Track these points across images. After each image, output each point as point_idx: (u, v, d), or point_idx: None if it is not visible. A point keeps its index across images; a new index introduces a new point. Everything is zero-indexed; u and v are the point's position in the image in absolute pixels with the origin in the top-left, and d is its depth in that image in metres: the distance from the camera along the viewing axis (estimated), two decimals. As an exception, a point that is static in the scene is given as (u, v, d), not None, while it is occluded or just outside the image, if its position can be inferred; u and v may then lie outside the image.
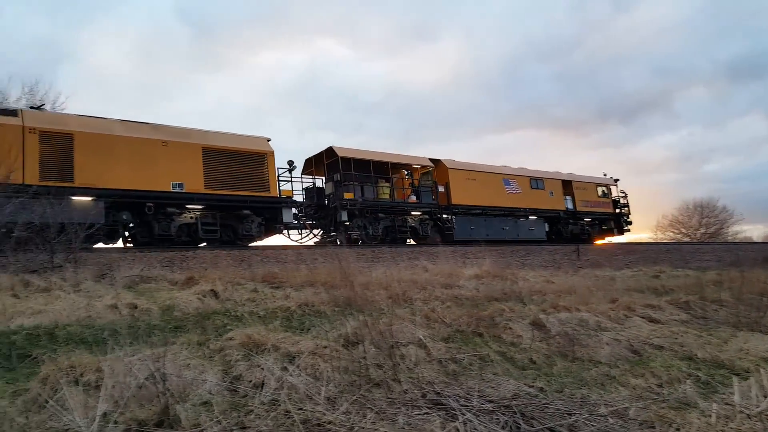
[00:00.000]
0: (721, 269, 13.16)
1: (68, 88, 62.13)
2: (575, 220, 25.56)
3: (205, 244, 14.83)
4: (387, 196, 19.66)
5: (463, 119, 76.15)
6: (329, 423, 3.59)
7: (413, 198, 20.63)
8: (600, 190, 27.02)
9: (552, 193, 24.48)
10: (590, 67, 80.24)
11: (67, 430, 3.33)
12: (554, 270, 11.19)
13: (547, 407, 3.93)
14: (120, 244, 13.99)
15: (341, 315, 6.31)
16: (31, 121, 12.30)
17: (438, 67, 74.76)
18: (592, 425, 3.57)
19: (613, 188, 27.82)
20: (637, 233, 51.81)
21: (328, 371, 4.54)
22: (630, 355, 5.59)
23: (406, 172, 21.54)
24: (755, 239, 45.01)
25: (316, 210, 18.68)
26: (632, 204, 28.08)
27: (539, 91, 79.82)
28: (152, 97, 56.27)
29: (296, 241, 18.27)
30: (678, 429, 3.64)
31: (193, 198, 14.19)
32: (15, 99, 22.50)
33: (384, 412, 3.86)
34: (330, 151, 18.88)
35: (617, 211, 27.52)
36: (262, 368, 4.45)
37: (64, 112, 14.16)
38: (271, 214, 16.09)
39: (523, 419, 3.63)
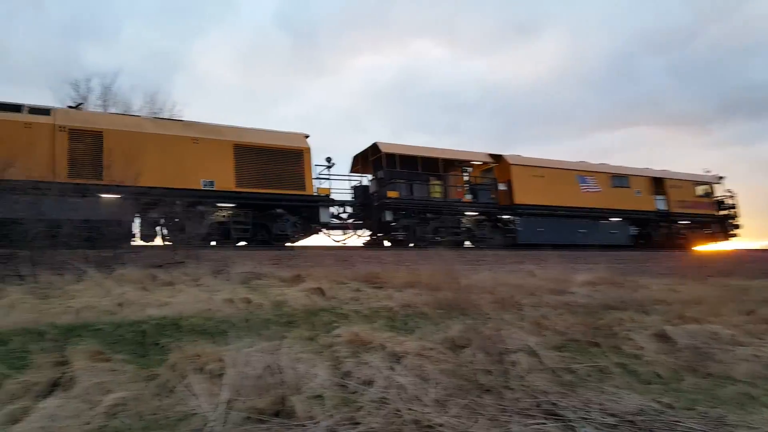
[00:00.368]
0: None
1: (183, 97, 67.37)
2: (668, 223, 22.53)
3: (244, 243, 14.35)
4: (439, 195, 18.07)
5: (567, 117, 72.90)
6: (440, 425, 3.53)
7: (468, 197, 18.85)
8: (700, 189, 23.67)
9: (639, 191, 21.72)
10: (711, 58, 73.34)
11: (194, 414, 3.54)
12: (678, 278, 10.28)
13: (678, 425, 3.60)
14: (159, 241, 13.46)
15: (444, 317, 6.22)
16: (62, 120, 12.45)
17: (539, 64, 72.34)
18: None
19: (716, 187, 24.32)
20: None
21: (435, 373, 4.48)
22: (773, 374, 4.97)
23: (462, 170, 19.73)
24: None
25: (362, 209, 17.60)
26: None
27: (652, 86, 74.24)
28: (257, 103, 59.65)
29: (339, 242, 17.18)
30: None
31: (223, 196, 13.76)
32: (138, 108, 24.81)
33: (496, 419, 3.74)
34: (375, 147, 17.75)
35: (722, 213, 24.04)
36: (370, 366, 4.48)
37: (100, 111, 14.43)
38: (309, 213, 15.32)
39: (650, 436, 3.34)
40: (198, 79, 53.65)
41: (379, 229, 17.54)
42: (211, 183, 13.65)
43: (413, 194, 17.54)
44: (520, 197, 18.89)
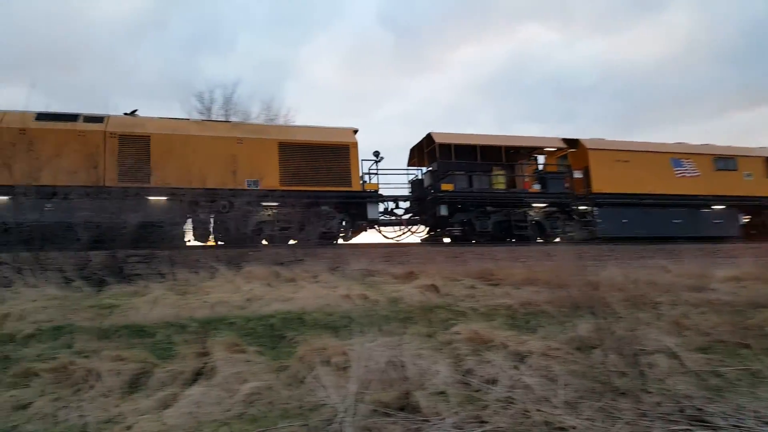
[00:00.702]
0: None
1: (294, 103, 70.61)
2: None
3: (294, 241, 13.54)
4: (503, 186, 16.69)
5: (700, 96, 65.37)
6: (572, 428, 3.34)
7: (537, 187, 17.07)
8: None
9: (749, 174, 18.82)
10: None
11: (323, 405, 3.66)
12: None
13: None
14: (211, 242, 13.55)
15: (570, 316, 5.91)
16: (112, 127, 12.82)
17: (664, 41, 66.01)
18: None
19: None
20: None
21: (563, 374, 4.26)
22: None
23: (530, 158, 18.30)
24: None
25: (418, 204, 16.70)
26: None
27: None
28: (362, 105, 61.11)
29: (392, 239, 16.29)
30: None
31: (267, 195, 13.37)
32: (255, 115, 26.36)
33: (635, 424, 3.47)
34: (429, 138, 16.63)
35: None
36: (493, 364, 4.37)
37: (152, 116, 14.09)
38: (356, 210, 14.82)
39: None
40: (307, 84, 56.20)
41: (435, 224, 16.60)
42: (256, 182, 13.48)
43: (472, 186, 16.34)
44: (599, 185, 17.08)
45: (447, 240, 16.69)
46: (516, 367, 4.31)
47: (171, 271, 8.81)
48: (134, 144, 12.89)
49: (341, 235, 14.95)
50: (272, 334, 5.66)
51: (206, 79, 46.75)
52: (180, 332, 5.67)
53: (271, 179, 13.78)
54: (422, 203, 16.60)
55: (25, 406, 4.01)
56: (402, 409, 3.55)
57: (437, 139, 16.08)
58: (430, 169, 17.01)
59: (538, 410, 3.53)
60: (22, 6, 49.35)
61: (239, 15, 63.55)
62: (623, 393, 3.95)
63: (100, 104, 30.63)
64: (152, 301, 6.60)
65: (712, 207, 18.30)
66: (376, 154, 15.74)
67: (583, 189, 17.15)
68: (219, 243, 13.22)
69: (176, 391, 4.13)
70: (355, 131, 15.47)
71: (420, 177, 17.68)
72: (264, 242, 13.48)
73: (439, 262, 10.58)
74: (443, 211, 15.62)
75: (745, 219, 19.10)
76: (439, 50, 69.62)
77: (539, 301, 6.74)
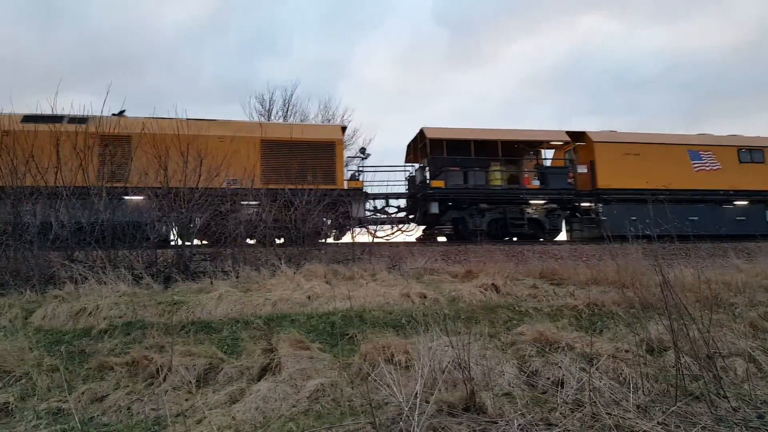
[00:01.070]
0: None
1: (349, 102, 71.07)
2: None
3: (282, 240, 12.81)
4: (500, 182, 15.81)
5: (775, 85, 60.58)
6: (645, 433, 3.22)
7: (536, 183, 16.04)
8: None
9: None
10: None
11: (387, 403, 3.69)
12: None
13: None
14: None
15: (639, 318, 5.69)
16: (95, 128, 11.78)
17: (735, 28, 62.07)
18: None
19: None
20: None
21: (634, 377, 4.11)
22: None
23: (531, 152, 17.17)
24: None
25: (411, 202, 16.06)
26: None
27: None
28: (415, 102, 60.71)
29: (383, 237, 15.41)
30: None
31: (247, 194, 12.64)
32: (313, 115, 26.93)
33: (711, 430, 3.31)
34: (422, 134, 15.89)
35: None
36: (560, 366, 4.27)
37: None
38: (344, 209, 14.07)
39: None
40: (361, 82, 56.48)
41: (427, 222, 15.98)
42: (235, 181, 12.81)
43: (467, 182, 15.50)
44: (605, 180, 16.01)
45: (441, 239, 16.16)
46: (584, 370, 4.19)
47: (234, 268, 9.10)
48: (116, 144, 12.36)
49: (328, 234, 14.34)
50: (333, 332, 5.75)
51: (265, 81, 47.81)
52: (245, 328, 5.86)
53: (253, 178, 13.06)
54: (415, 201, 16.14)
55: (101, 399, 4.27)
56: (467, 409, 3.53)
57: (428, 134, 15.48)
58: (421, 165, 16.56)
59: (609, 414, 3.43)
60: (96, 14, 52.35)
61: (295, 17, 64.70)
62: (698, 397, 3.79)
63: (170, 108, 32.08)
64: (217, 298, 6.82)
65: (735, 203, 17.03)
66: (362, 150, 15.59)
67: (589, 184, 16.27)
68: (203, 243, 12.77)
69: (244, 387, 4.27)
70: (344, 128, 15.19)
71: (413, 174, 17.21)
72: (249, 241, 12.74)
73: (498, 260, 10.42)
74: (434, 208, 15.11)
75: None
76: (493, 45, 68.40)
77: (606, 301, 6.52)
